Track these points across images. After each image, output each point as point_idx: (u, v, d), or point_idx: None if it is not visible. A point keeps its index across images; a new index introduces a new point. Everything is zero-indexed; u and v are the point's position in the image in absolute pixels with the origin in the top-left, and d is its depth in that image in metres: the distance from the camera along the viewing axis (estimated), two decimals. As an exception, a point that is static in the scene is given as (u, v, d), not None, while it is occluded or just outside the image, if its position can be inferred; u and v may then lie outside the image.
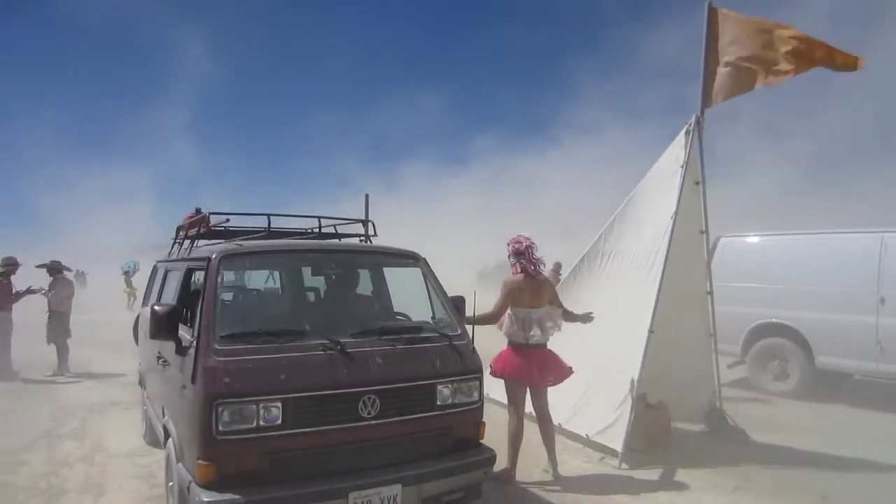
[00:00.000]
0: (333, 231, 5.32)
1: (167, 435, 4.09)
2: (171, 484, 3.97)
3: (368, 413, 3.51)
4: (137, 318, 6.70)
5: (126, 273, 23.62)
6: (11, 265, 9.80)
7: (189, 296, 4.31)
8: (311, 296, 4.89)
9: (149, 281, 6.42)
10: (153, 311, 3.63)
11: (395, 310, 4.92)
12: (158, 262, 6.22)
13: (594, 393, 5.81)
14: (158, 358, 4.46)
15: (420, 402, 3.72)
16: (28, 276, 10.14)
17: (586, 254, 6.51)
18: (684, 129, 5.94)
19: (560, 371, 5.03)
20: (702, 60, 5.83)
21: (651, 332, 5.40)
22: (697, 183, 6.01)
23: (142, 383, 6.08)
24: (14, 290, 9.68)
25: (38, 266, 10.11)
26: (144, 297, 6.49)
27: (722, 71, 5.75)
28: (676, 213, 5.66)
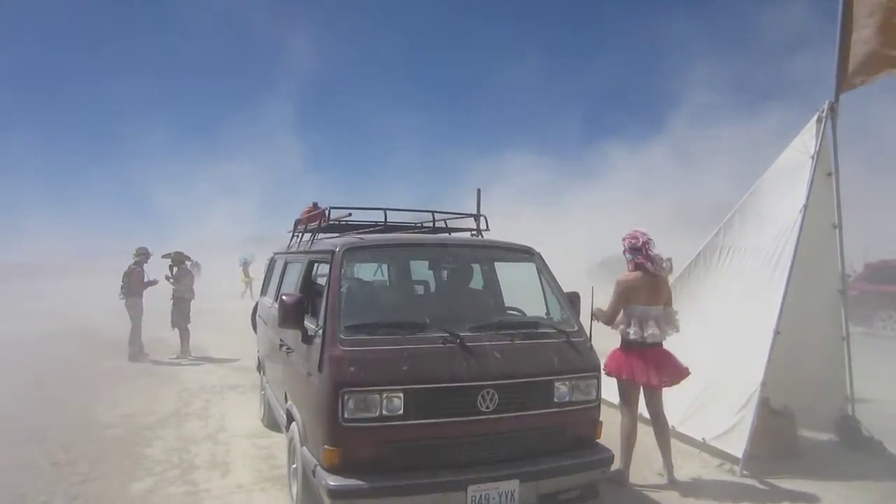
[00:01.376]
0: (444, 226, 5.35)
1: (290, 419, 4.27)
2: (294, 466, 4.15)
3: (487, 407, 3.50)
4: (256, 306, 7.04)
5: (244, 263, 24.86)
6: (144, 255, 10.61)
7: (311, 287, 4.47)
8: (429, 289, 4.95)
9: (266, 271, 6.74)
10: (281, 301, 3.80)
11: (506, 304, 4.91)
12: (276, 253, 6.51)
13: (711, 395, 5.53)
14: (281, 345, 4.66)
15: (537, 398, 3.68)
16: (156, 266, 10.94)
17: (703, 249, 6.20)
18: (815, 117, 5.51)
19: (677, 372, 4.81)
20: (836, 36, 5.34)
21: (777, 332, 5.06)
22: (829, 174, 5.57)
23: (261, 369, 6.39)
24: (146, 278, 10.50)
25: (164, 256, 10.86)
26: (263, 286, 6.81)
27: (861, 48, 5.24)
28: (806, 206, 5.28)
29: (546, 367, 3.71)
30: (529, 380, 3.65)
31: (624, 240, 4.94)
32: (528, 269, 4.48)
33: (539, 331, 3.95)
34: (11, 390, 7.76)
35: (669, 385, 4.84)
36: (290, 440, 4.24)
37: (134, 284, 10.35)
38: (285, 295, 3.86)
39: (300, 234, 5.53)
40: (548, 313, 4.26)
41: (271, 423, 6.00)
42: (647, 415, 4.94)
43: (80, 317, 15.92)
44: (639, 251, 4.81)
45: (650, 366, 4.72)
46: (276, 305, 5.45)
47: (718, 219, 6.27)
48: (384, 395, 3.38)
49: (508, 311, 4.67)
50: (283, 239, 6.49)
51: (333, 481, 3.29)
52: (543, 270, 4.35)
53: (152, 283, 10.60)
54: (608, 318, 4.82)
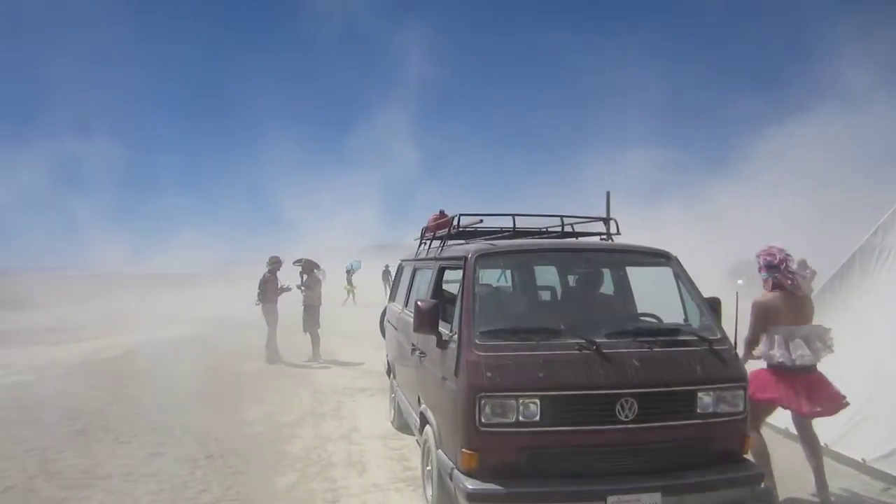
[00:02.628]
0: (571, 230, 5.29)
1: (424, 422, 4.37)
2: (428, 468, 4.25)
3: (626, 416, 3.41)
4: (384, 312, 7.29)
5: (349, 271, 25.75)
6: (277, 263, 11.34)
7: (442, 293, 4.57)
8: (560, 294, 4.91)
9: (395, 278, 6.96)
10: (417, 307, 3.91)
11: (639, 311, 4.76)
12: (404, 260, 6.72)
13: (871, 412, 5.03)
14: (413, 350, 4.79)
15: (679, 408, 3.53)
16: (287, 273, 11.64)
17: (858, 251, 5.68)
18: None
19: (832, 402, 4.31)
20: None
21: (953, 345, 4.55)
22: None
23: (390, 373, 6.60)
24: (280, 285, 11.20)
25: (295, 263, 11.52)
26: (391, 293, 7.04)
27: None
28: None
29: (688, 375, 3.55)
30: (670, 389, 3.51)
31: (758, 256, 4.56)
32: (663, 274, 4.32)
33: (679, 338, 3.79)
34: (168, 389, 8.53)
35: (822, 416, 4.41)
36: (425, 443, 4.35)
37: (269, 291, 11.07)
38: (420, 301, 3.97)
39: (428, 242, 5.67)
40: (686, 320, 4.09)
41: (402, 426, 6.18)
42: (793, 430, 4.59)
43: (222, 322, 17.19)
44: (776, 269, 4.43)
45: (801, 393, 4.29)
46: (406, 311, 5.64)
47: (872, 217, 5.72)
48: (520, 401, 3.38)
49: (642, 318, 4.52)
50: (406, 246, 6.69)
51: (471, 485, 3.33)
52: (681, 275, 4.18)
53: (286, 289, 11.28)
54: (748, 343, 4.48)
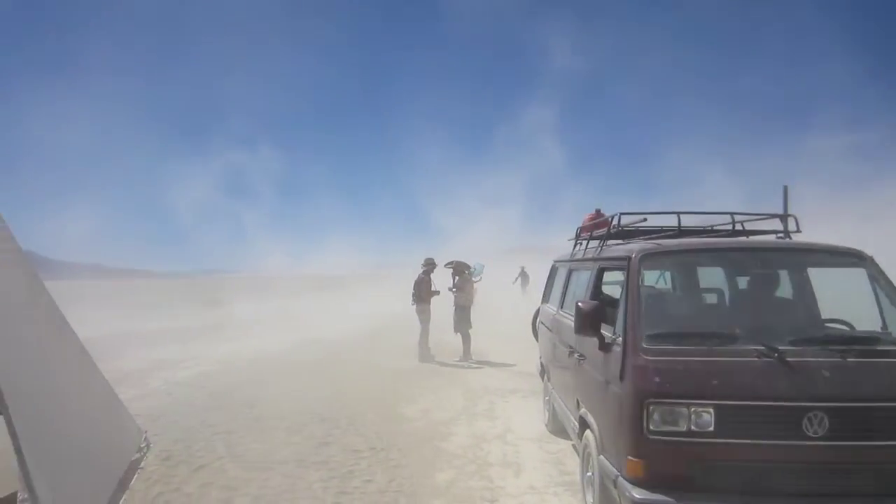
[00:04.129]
0: (742, 228, 4.91)
1: (584, 427, 4.27)
2: (588, 474, 4.14)
3: (815, 432, 3.09)
4: (536, 313, 7.25)
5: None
6: (431, 265, 11.71)
7: (602, 294, 4.44)
8: (732, 297, 4.59)
9: (548, 280, 6.89)
10: (578, 309, 3.82)
11: (823, 316, 4.31)
12: (557, 261, 6.63)
13: None
14: (571, 352, 4.70)
15: (882, 427, 3.14)
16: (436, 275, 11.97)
17: None
18: None
19: None
20: None
21: None
22: None
23: (544, 375, 6.54)
24: (433, 287, 11.56)
25: (447, 265, 11.81)
26: (544, 294, 6.98)
27: None
28: None
29: (893, 390, 3.16)
30: (871, 404, 3.13)
31: None
32: (854, 276, 3.88)
33: (879, 348, 3.38)
34: (331, 383, 9.11)
35: None
36: (584, 447, 4.24)
37: (423, 292, 11.45)
38: (581, 302, 3.88)
39: (584, 242, 5.54)
40: (885, 327, 3.64)
41: (557, 429, 6.09)
42: None
43: (376, 321, 18.05)
44: None
45: None
46: (561, 313, 5.55)
47: None
48: (692, 409, 3.19)
49: (830, 325, 4.09)
50: (550, 248, 6.58)
51: (639, 494, 3.20)
52: (879, 277, 3.73)
53: (438, 291, 11.61)
54: None
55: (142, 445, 5.90)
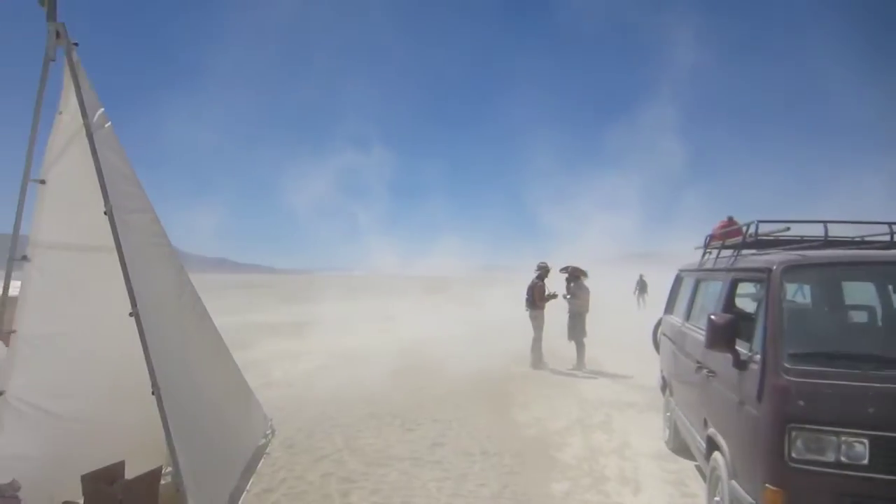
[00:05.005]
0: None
1: (712, 448, 4.02)
2: (716, 499, 3.88)
3: None
4: (658, 323, 6.94)
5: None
6: (545, 269, 11.55)
7: (735, 307, 4.16)
8: (888, 316, 4.14)
9: (672, 289, 6.58)
10: (711, 322, 3.60)
11: None
12: (683, 270, 6.31)
13: None
14: (699, 367, 4.44)
15: None
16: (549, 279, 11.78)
17: None
18: None
19: None
20: None
21: None
22: None
23: (665, 389, 6.24)
24: (547, 292, 11.39)
25: (562, 270, 11.60)
26: (667, 305, 6.67)
27: None
28: None
29: None
30: None
31: None
32: None
33: None
34: (444, 383, 9.23)
35: None
36: (713, 470, 3.99)
37: (536, 297, 11.31)
38: (715, 315, 3.65)
39: (715, 250, 5.23)
40: None
41: (678, 448, 5.79)
42: None
43: (487, 324, 18.06)
44: None
45: None
46: (687, 325, 5.27)
47: None
48: (842, 438, 2.90)
49: None
50: (668, 255, 6.24)
51: (778, 526, 2.95)
52: None
53: (552, 296, 11.41)
54: None
55: (267, 432, 6.26)
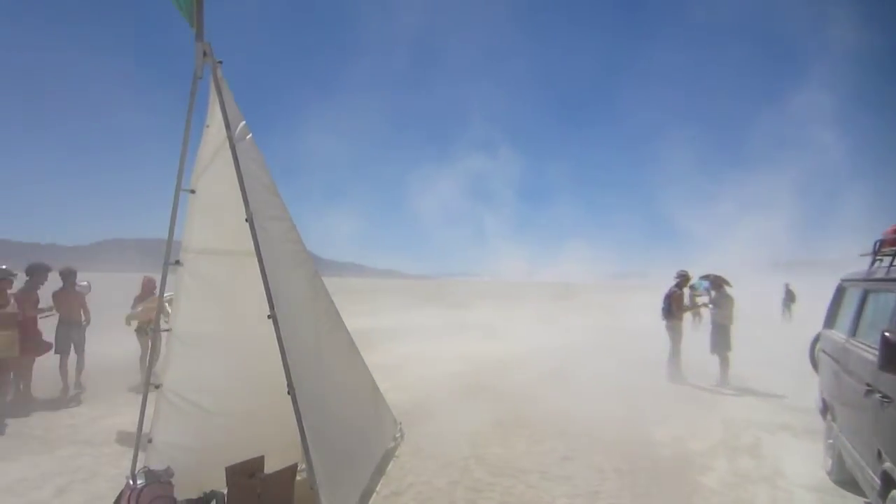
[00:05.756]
0: None
1: (889, 486, 3.49)
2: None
3: None
4: (816, 339, 6.24)
5: (693, 288, 23.03)
6: (684, 277, 10.85)
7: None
8: None
9: (833, 301, 5.88)
10: (885, 340, 3.13)
11: None
12: (847, 280, 5.62)
13: None
14: (869, 391, 3.89)
15: None
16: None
17: None
18: None
19: None
20: None
21: None
22: None
23: (827, 413, 5.58)
24: (686, 301, 10.70)
25: (702, 278, 10.86)
26: (827, 318, 5.97)
27: None
28: None
29: None
30: None
31: None
32: None
33: None
34: (574, 394, 8.92)
35: None
36: (887, 510, 3.46)
37: (675, 307, 10.65)
38: (890, 332, 3.17)
39: (889, 258, 4.59)
40: None
41: (843, 480, 5.13)
42: None
43: (621, 333, 17.37)
44: None
45: None
46: (853, 342, 4.67)
47: None
48: None
49: None
50: (832, 263, 5.55)
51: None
52: None
53: (696, 306, 10.71)
54: None
55: (397, 435, 6.35)
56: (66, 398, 8.46)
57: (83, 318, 9.11)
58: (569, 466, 5.71)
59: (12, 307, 7.72)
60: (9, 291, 7.86)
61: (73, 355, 8.96)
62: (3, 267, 7.91)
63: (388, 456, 5.79)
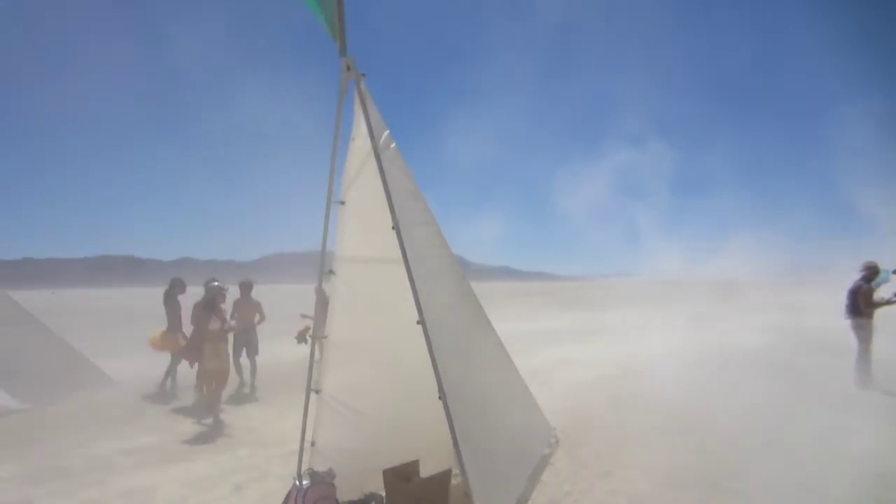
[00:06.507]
0: None
1: None
2: None
3: None
4: None
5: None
6: (872, 269, 9.54)
7: None
8: None
9: None
10: None
11: None
12: None
13: None
14: None
15: None
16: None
17: None
18: None
19: None
20: None
21: None
22: None
23: None
24: (878, 297, 9.42)
25: (895, 272, 9.50)
26: None
27: None
28: None
29: None
30: None
31: None
32: None
33: None
34: (748, 399, 8.16)
35: None
36: None
37: (862, 303, 9.40)
38: None
39: None
40: None
41: None
42: None
43: (790, 332, 15.82)
44: None
45: None
46: None
47: None
48: None
49: None
50: None
51: None
52: None
53: (885, 302, 9.38)
54: None
55: (551, 441, 6.17)
56: (242, 400, 9.23)
57: (257, 322, 10.04)
58: (742, 480, 5.20)
59: (217, 321, 8.25)
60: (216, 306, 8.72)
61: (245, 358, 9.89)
62: (216, 283, 8.40)
63: (543, 463, 5.64)
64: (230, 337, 9.28)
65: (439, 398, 3.77)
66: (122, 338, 15.84)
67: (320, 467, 4.54)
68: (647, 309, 27.09)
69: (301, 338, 8.88)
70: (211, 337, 7.92)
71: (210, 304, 8.11)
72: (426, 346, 3.80)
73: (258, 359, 9.98)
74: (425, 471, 4.61)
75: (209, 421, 7.89)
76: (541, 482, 5.24)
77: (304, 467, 4.59)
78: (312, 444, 4.64)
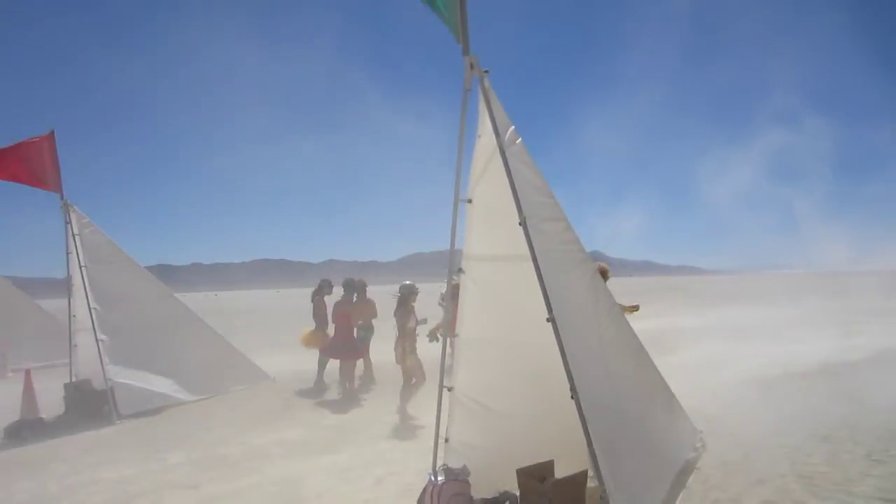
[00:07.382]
0: None
1: None
2: None
3: None
4: None
5: None
6: None
7: None
8: None
9: None
10: None
11: None
12: None
13: None
14: None
15: None
16: None
17: None
18: None
19: None
20: None
21: None
22: None
23: None
24: None
25: None
26: None
27: None
28: None
29: None
30: None
31: None
32: None
33: None
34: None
35: None
36: None
37: None
38: None
39: None
40: None
41: None
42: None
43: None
44: None
45: None
46: None
47: None
48: None
49: None
50: None
51: None
52: None
53: None
54: None
55: (697, 445, 5.82)
56: (382, 395, 9.58)
57: (371, 321, 10.40)
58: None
59: (413, 319, 8.53)
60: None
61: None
62: (408, 282, 8.83)
63: (688, 468, 5.32)
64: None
65: (571, 397, 3.67)
66: (277, 336, 17.04)
67: (455, 464, 4.59)
68: (809, 303, 24.64)
69: (433, 336, 9.04)
70: (408, 335, 8.25)
71: (403, 303, 8.40)
72: (557, 344, 3.72)
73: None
74: (560, 471, 4.51)
75: (395, 415, 8.21)
76: (686, 488, 4.95)
77: (439, 464, 4.67)
78: (446, 440, 4.71)
